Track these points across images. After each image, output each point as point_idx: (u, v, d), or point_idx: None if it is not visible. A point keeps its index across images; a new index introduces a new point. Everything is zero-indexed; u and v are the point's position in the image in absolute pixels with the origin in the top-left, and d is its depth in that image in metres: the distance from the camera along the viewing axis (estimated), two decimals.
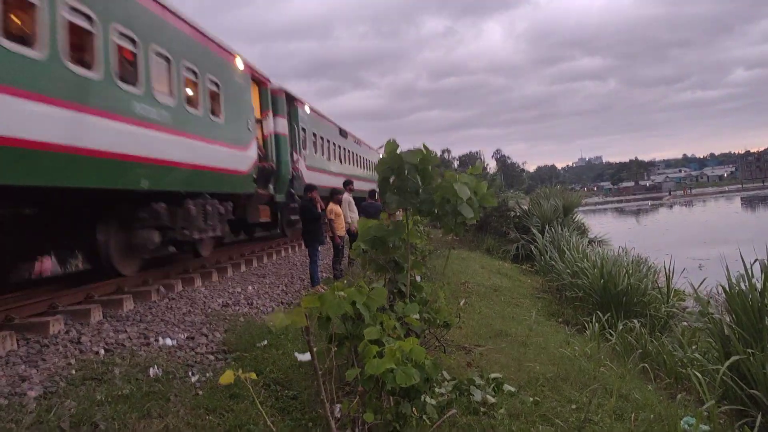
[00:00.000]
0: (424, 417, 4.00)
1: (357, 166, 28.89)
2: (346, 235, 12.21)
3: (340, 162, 24.87)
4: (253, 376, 2.35)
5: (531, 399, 5.29)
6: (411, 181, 5.16)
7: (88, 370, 5.10)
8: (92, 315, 7.04)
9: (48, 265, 14.48)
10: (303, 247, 15.11)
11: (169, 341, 6.35)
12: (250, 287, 10.29)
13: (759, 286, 5.98)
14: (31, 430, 3.80)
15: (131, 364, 5.34)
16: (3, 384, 4.69)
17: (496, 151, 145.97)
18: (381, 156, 5.54)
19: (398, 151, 5.19)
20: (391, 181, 5.30)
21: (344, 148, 25.98)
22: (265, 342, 6.42)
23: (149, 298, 8.48)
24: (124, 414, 4.21)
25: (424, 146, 5.24)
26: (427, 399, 3.89)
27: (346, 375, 3.70)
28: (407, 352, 3.48)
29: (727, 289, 6.26)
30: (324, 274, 11.88)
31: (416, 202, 5.34)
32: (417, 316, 4.69)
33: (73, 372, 5.05)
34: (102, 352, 5.75)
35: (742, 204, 73.52)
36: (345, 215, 12.21)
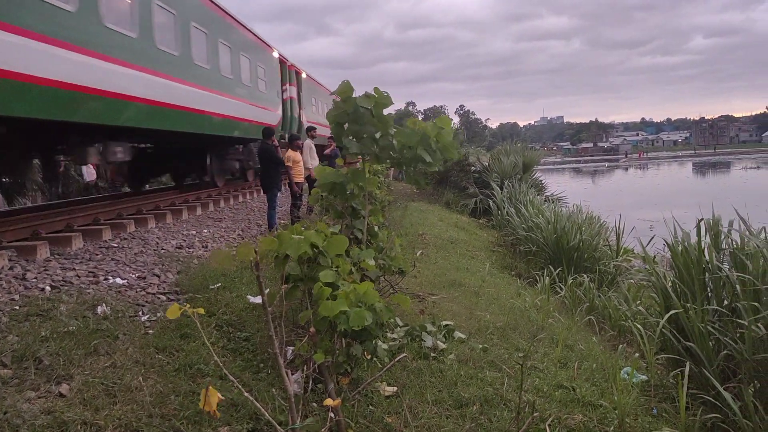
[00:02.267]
0: (375, 359, 4.06)
1: None
2: (305, 182, 12.09)
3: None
4: (201, 311, 2.30)
5: (480, 346, 5.43)
6: (367, 127, 5.05)
7: (32, 306, 4.95)
8: (39, 252, 6.82)
9: None
10: (261, 193, 14.96)
11: (119, 280, 6.22)
12: (205, 230, 10.14)
13: (703, 244, 6.19)
14: None
15: (78, 302, 5.21)
16: None
17: (460, 106, 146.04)
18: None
19: (353, 96, 5.07)
20: (346, 126, 5.19)
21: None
22: (219, 284, 6.36)
23: (100, 236, 8.26)
24: (70, 350, 4.12)
25: (377, 90, 5.13)
26: (379, 342, 3.94)
27: (299, 318, 3.70)
28: (361, 295, 3.49)
29: (673, 247, 6.46)
30: (282, 221, 11.79)
31: (375, 148, 5.27)
32: (372, 261, 4.69)
33: (17, 308, 4.90)
34: (48, 288, 5.59)
35: (693, 169, 75.90)
36: (306, 161, 12.05)
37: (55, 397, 3.57)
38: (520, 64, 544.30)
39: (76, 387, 3.71)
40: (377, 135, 5.01)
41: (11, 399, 3.43)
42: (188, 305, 2.35)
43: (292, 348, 4.46)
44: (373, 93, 5.00)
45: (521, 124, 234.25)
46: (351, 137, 5.09)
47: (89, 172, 20.80)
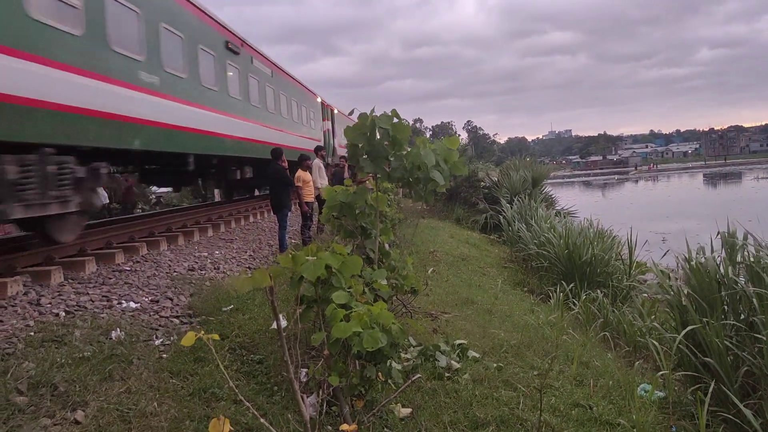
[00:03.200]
0: (390, 381, 4.03)
1: None
2: (315, 202, 12.12)
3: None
4: (216, 336, 2.30)
5: (495, 365, 5.38)
6: (382, 146, 5.07)
7: (47, 331, 4.98)
8: (53, 277, 6.87)
9: (8, 226, 14.06)
10: (272, 213, 15.02)
11: (132, 304, 6.24)
12: (217, 252, 10.17)
13: (718, 258, 6.13)
14: None
15: (93, 327, 5.23)
16: None
17: (468, 122, 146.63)
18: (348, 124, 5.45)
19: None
20: (360, 146, 5.22)
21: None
22: (232, 306, 6.37)
23: (113, 260, 8.31)
24: (85, 376, 4.13)
25: (395, 112, 5.16)
26: (393, 364, 3.91)
27: (312, 339, 3.69)
28: (375, 316, 3.47)
29: (688, 261, 6.40)
30: (293, 241, 11.82)
31: (387, 168, 5.28)
32: (385, 281, 4.68)
33: (32, 333, 4.93)
34: (62, 314, 5.62)
35: (704, 180, 75.41)
36: (315, 181, 12.09)
37: (71, 424, 3.58)
38: (526, 79, 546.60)
39: (91, 413, 3.71)
40: (390, 157, 5.04)
41: (27, 427, 3.44)
42: (202, 330, 2.35)
43: (305, 370, 4.44)
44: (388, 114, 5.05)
45: (529, 138, 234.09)
46: (365, 156, 5.12)
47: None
